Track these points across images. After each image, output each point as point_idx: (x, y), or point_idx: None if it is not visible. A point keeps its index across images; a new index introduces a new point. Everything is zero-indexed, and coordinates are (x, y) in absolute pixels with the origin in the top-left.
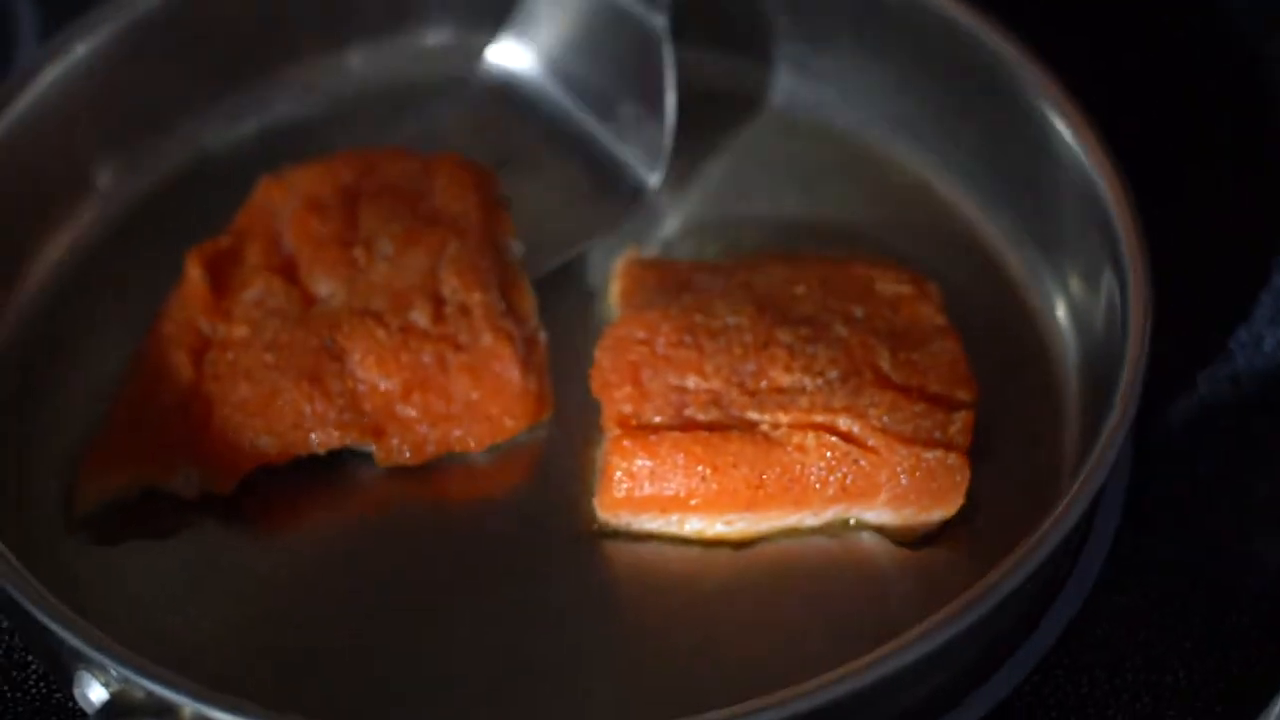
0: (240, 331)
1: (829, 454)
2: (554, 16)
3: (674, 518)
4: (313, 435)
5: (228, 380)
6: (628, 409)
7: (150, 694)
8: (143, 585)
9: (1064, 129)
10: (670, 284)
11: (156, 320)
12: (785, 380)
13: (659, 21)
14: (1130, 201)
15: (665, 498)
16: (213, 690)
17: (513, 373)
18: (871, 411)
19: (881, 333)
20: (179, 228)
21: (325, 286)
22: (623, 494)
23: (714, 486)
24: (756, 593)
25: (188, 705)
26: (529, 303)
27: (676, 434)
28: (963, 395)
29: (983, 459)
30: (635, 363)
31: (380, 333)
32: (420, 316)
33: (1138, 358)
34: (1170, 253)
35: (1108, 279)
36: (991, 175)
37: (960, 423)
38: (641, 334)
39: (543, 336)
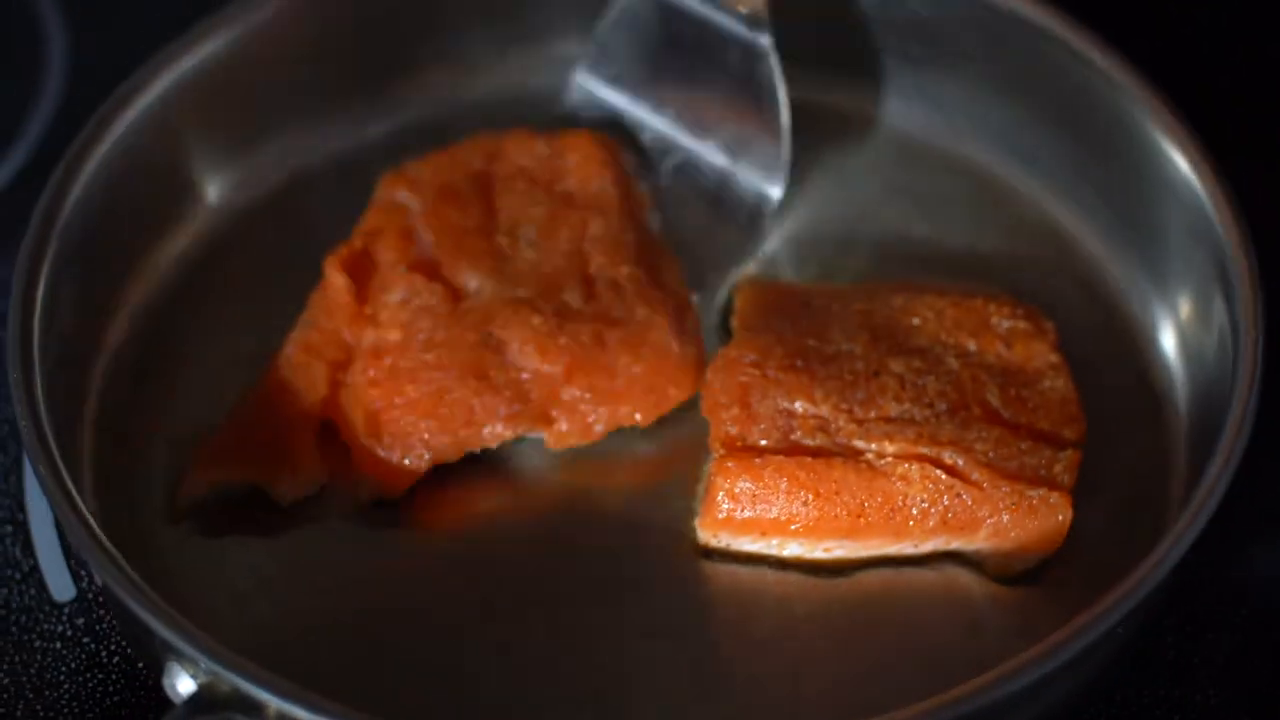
0: (393, 335)
1: (932, 486)
2: (641, 41)
3: (774, 541)
4: (485, 429)
5: (389, 385)
6: (734, 430)
7: (236, 689)
8: (243, 578)
9: (1181, 162)
10: (787, 307)
11: (299, 327)
12: (894, 410)
13: (764, 39)
14: (1247, 239)
15: (766, 521)
16: (299, 688)
17: (670, 342)
18: (978, 446)
19: (993, 368)
20: (284, 236)
21: (472, 279)
22: (724, 515)
23: (815, 512)
24: (851, 620)
25: (273, 702)
26: (675, 271)
27: (781, 458)
28: (1070, 434)
29: (1088, 497)
30: (745, 385)
31: (536, 319)
32: (573, 297)
33: (1246, 400)
34: None
35: (1219, 315)
36: (1108, 208)
37: (1066, 462)
38: (753, 356)
39: (694, 300)
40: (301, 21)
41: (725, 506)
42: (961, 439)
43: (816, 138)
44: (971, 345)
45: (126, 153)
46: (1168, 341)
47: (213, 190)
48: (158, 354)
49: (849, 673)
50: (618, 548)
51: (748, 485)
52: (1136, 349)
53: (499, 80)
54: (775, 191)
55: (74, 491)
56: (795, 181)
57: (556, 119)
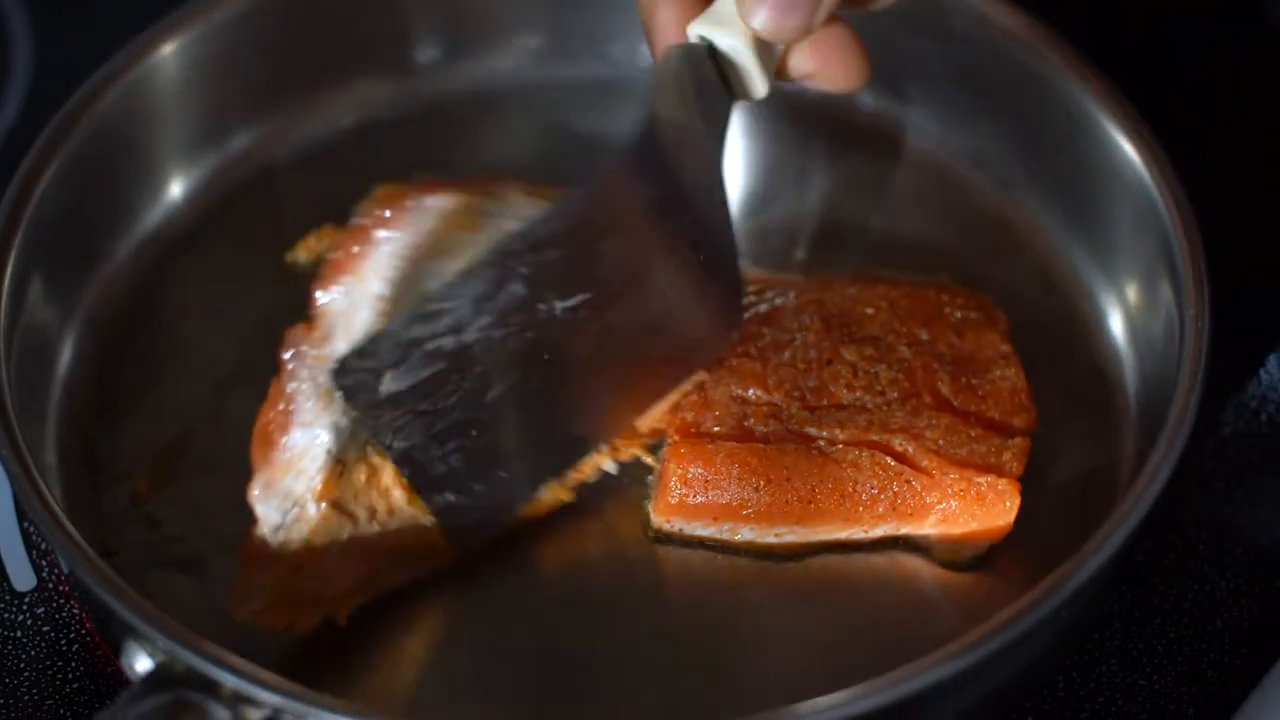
0: None
1: (881, 472)
2: None
3: (726, 526)
4: None
5: None
6: (689, 416)
7: (192, 668)
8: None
9: (1129, 150)
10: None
11: None
12: (846, 397)
13: None
14: (1192, 226)
15: (718, 506)
16: (253, 666)
17: None
18: (928, 433)
19: (944, 357)
20: (251, 230)
21: None
22: (677, 500)
23: (767, 498)
24: (802, 605)
25: (227, 680)
26: None
27: (733, 445)
28: (1019, 423)
29: (1038, 484)
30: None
31: None
32: None
33: (1190, 387)
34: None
35: (1166, 302)
36: (1059, 199)
37: (1015, 449)
38: None
39: None
40: (267, 14)
41: (678, 491)
42: (912, 426)
43: (768, 132)
44: (924, 334)
45: (92, 148)
46: (1118, 330)
47: (178, 185)
48: (124, 346)
49: (799, 656)
50: (571, 532)
51: (700, 471)
52: (1087, 337)
53: (462, 73)
54: None
55: (38, 476)
56: (748, 174)
57: (518, 112)
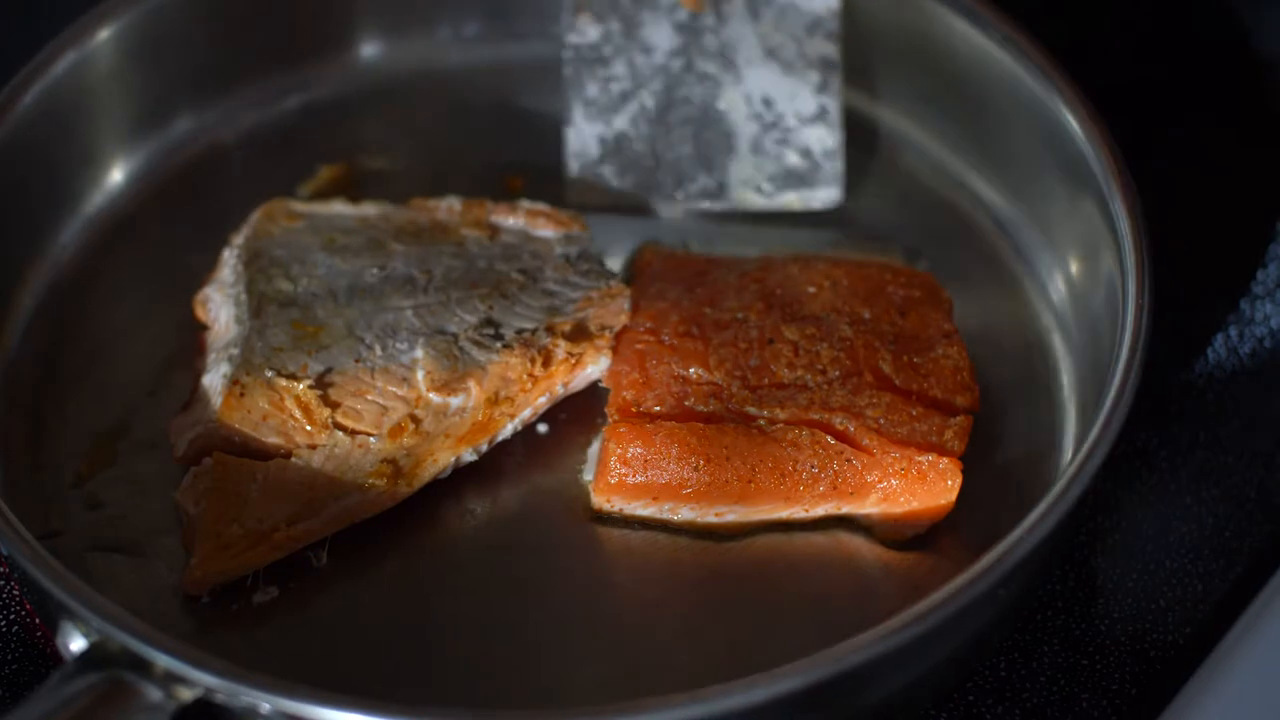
0: None
1: (822, 451)
2: None
3: (666, 506)
4: None
5: None
6: (630, 395)
7: (125, 647)
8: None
9: (1071, 123)
10: (685, 276)
11: None
12: (787, 376)
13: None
14: (1132, 195)
15: (658, 485)
16: (185, 645)
17: None
18: (869, 412)
19: (886, 335)
20: (196, 212)
21: None
22: (616, 480)
23: (706, 478)
24: (742, 583)
25: (160, 660)
26: None
27: (672, 424)
28: (962, 401)
29: (981, 462)
30: (641, 352)
31: None
32: None
33: (1129, 363)
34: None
35: (1108, 276)
36: (1004, 176)
37: (956, 428)
38: (649, 324)
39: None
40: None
41: (618, 471)
42: (853, 405)
43: None
44: (866, 313)
45: (32, 132)
46: (1061, 307)
47: (120, 168)
48: (65, 329)
49: (740, 634)
50: (512, 513)
51: (639, 450)
52: (1030, 315)
53: (407, 54)
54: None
55: None
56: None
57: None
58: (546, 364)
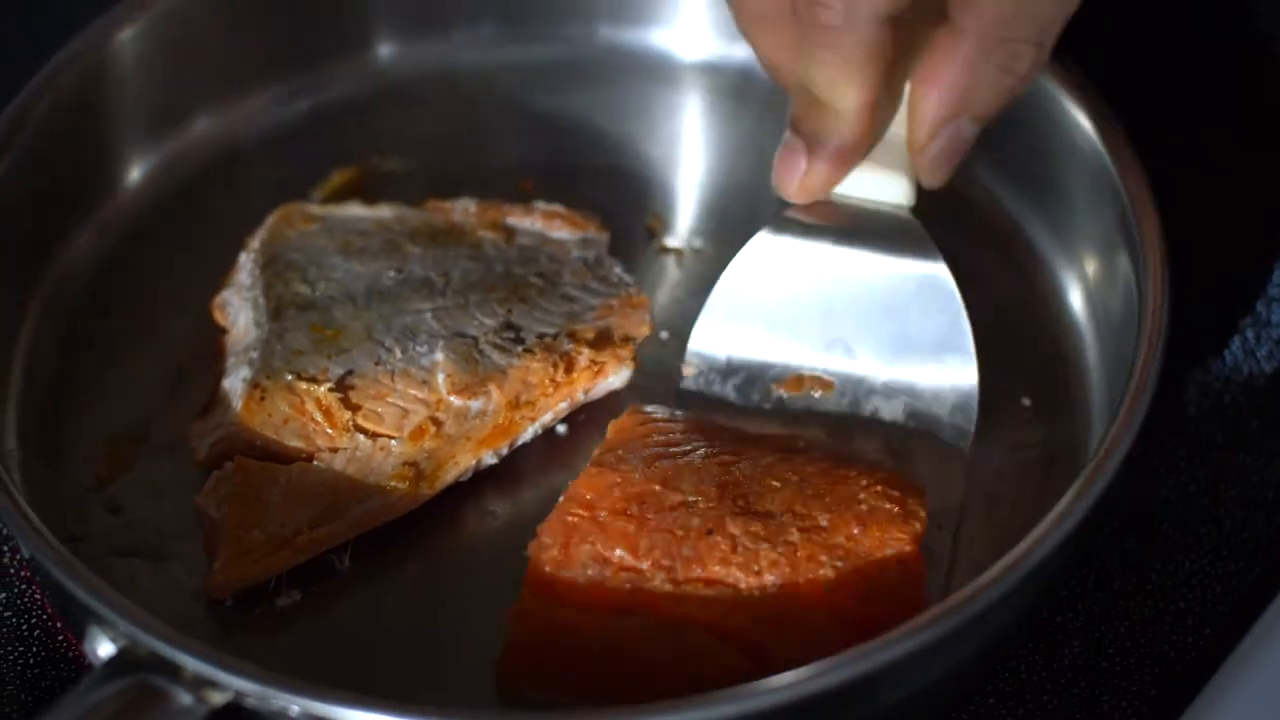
0: None
1: (729, 666)
2: None
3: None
4: None
5: None
6: (547, 570)
7: (153, 652)
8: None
9: (1086, 125)
10: (653, 444)
11: None
12: (719, 572)
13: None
14: (1148, 196)
15: (561, 676)
16: (213, 649)
17: None
18: (790, 635)
19: (836, 550)
20: (211, 215)
21: None
22: (522, 668)
23: (606, 672)
24: None
25: (190, 664)
26: None
27: (575, 615)
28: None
29: (998, 462)
30: (570, 525)
31: None
32: None
33: (1148, 361)
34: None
35: (1124, 274)
36: (1021, 175)
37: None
38: (589, 495)
39: None
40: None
41: (522, 659)
42: (780, 620)
43: (728, 106)
44: (823, 520)
45: (50, 134)
46: (1077, 306)
47: (137, 170)
48: (83, 333)
49: None
50: (532, 515)
51: (542, 639)
52: (1047, 314)
53: (421, 55)
54: None
55: None
56: (710, 153)
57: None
58: (569, 370)
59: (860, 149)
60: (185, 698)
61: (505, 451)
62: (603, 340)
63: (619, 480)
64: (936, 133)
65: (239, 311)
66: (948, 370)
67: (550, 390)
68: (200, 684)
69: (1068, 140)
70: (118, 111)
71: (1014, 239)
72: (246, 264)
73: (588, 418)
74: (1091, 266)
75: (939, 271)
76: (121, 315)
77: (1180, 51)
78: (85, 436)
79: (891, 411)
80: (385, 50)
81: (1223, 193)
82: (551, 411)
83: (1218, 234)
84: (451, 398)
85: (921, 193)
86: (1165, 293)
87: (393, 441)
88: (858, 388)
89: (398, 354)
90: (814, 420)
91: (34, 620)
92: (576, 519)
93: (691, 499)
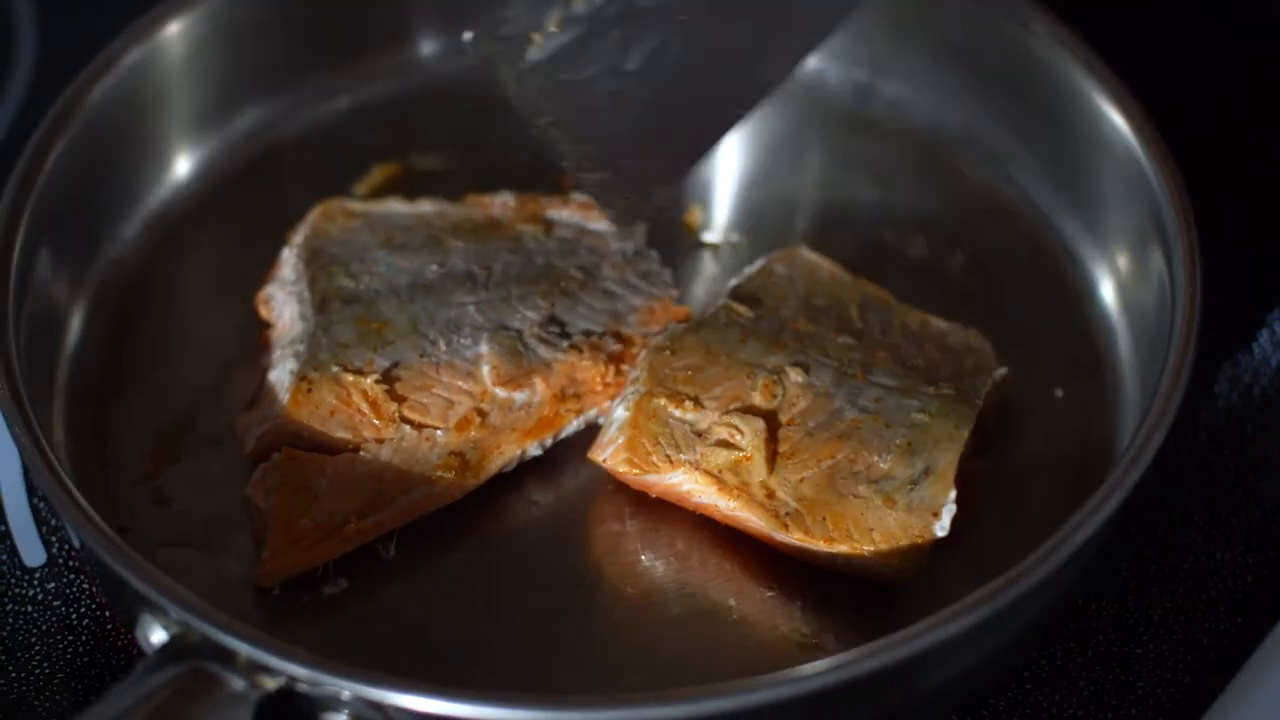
0: None
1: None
2: None
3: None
4: None
5: None
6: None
7: (207, 638)
8: (213, 534)
9: (1119, 121)
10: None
11: None
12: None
13: None
14: (1183, 195)
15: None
16: (267, 635)
17: None
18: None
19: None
20: (257, 207)
21: None
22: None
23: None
24: (815, 569)
25: (243, 649)
26: None
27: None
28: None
29: (1030, 455)
30: None
31: None
32: None
33: (1181, 356)
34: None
35: (1158, 271)
36: (1050, 170)
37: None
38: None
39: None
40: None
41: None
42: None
43: (765, 111)
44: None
45: (98, 128)
46: (1109, 300)
47: (184, 164)
48: (130, 323)
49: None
50: (575, 503)
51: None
52: (1079, 308)
53: (463, 53)
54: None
55: (49, 452)
56: (746, 152)
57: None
58: (619, 372)
59: None
60: (238, 683)
61: (549, 443)
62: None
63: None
64: None
65: (283, 306)
66: None
67: (599, 388)
68: (253, 669)
69: (1100, 136)
70: (165, 105)
71: (1047, 235)
72: (290, 259)
73: None
74: (1124, 261)
75: None
76: (167, 307)
77: (1211, 45)
78: (132, 428)
79: None
80: (427, 47)
81: (1251, 184)
82: (597, 408)
83: (1246, 225)
84: (496, 389)
85: (954, 190)
86: (1198, 288)
87: (438, 432)
88: None
89: (442, 346)
90: None
91: (83, 610)
92: None
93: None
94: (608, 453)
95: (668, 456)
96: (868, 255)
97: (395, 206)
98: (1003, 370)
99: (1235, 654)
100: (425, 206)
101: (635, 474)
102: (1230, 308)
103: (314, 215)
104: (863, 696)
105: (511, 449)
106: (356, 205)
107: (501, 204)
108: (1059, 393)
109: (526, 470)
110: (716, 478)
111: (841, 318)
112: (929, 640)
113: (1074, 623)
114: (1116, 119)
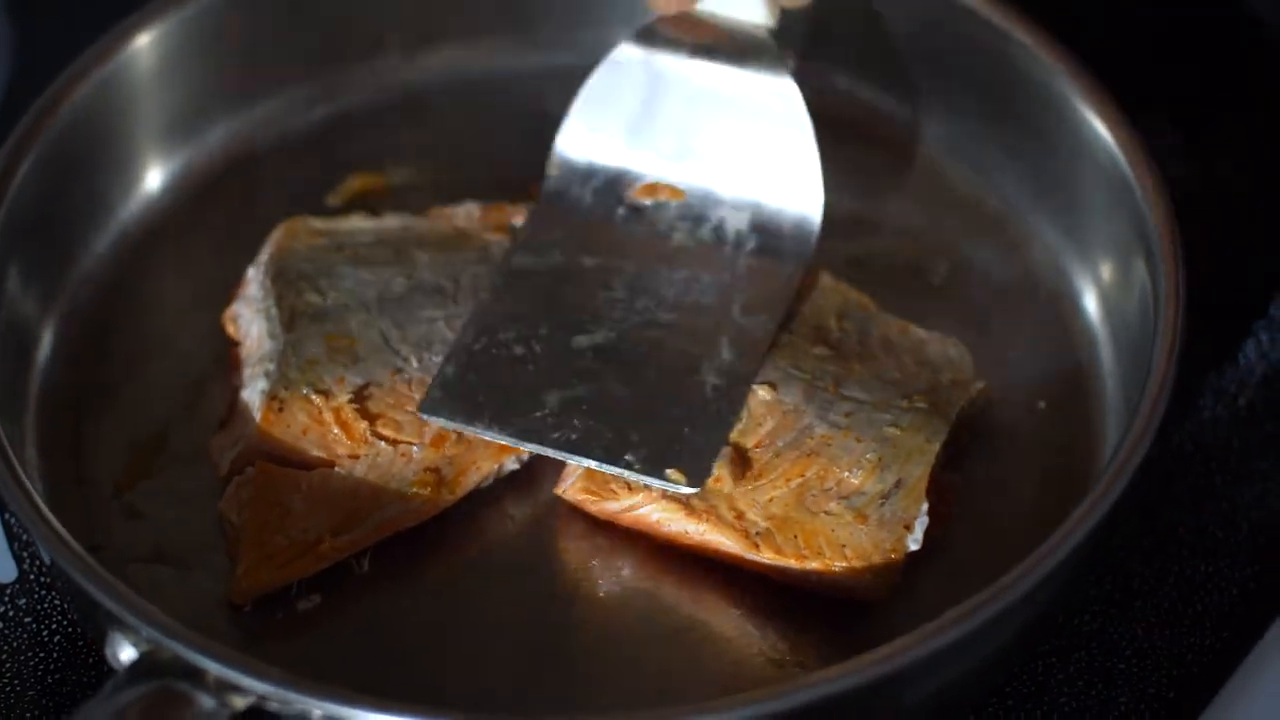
0: None
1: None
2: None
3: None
4: None
5: None
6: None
7: (177, 656)
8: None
9: (1102, 131)
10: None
11: None
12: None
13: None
14: (1167, 205)
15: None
16: (237, 652)
17: None
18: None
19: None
20: (230, 219)
21: None
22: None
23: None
24: (791, 589)
25: (213, 668)
26: None
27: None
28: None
29: (1013, 466)
30: None
31: None
32: None
33: (1165, 367)
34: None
35: (1140, 282)
36: (1033, 180)
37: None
38: None
39: None
40: (241, 6)
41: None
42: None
43: None
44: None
45: (68, 141)
46: (1093, 311)
47: (155, 177)
48: (101, 338)
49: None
50: (553, 520)
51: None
52: (1062, 319)
53: (435, 62)
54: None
55: (19, 468)
56: None
57: (491, 100)
58: None
59: None
60: (208, 702)
61: (526, 458)
62: None
63: None
64: None
65: (250, 324)
66: (793, 187)
67: None
68: (223, 688)
69: (1083, 146)
70: (136, 117)
71: (1030, 245)
72: (256, 277)
73: None
74: (1107, 271)
75: (789, 87)
76: (140, 321)
77: (1196, 54)
78: (106, 444)
79: (737, 222)
80: (398, 58)
81: (1235, 194)
82: None
83: (1230, 236)
84: None
85: (937, 200)
86: (1181, 298)
87: (414, 448)
88: (706, 198)
89: (414, 363)
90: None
91: (55, 626)
92: None
93: None
94: (567, 484)
95: (627, 484)
96: (850, 264)
97: (358, 223)
98: (980, 384)
99: (1220, 668)
100: (389, 221)
101: (594, 501)
102: (1215, 318)
103: (278, 234)
104: (840, 714)
105: (488, 464)
106: (320, 223)
107: (466, 214)
108: (1041, 404)
109: (503, 485)
110: (683, 503)
111: (818, 327)
112: (908, 657)
113: (1056, 637)
114: (1100, 129)
